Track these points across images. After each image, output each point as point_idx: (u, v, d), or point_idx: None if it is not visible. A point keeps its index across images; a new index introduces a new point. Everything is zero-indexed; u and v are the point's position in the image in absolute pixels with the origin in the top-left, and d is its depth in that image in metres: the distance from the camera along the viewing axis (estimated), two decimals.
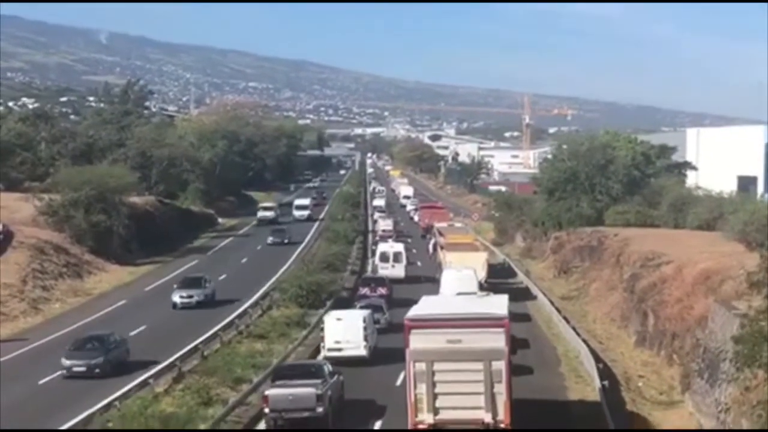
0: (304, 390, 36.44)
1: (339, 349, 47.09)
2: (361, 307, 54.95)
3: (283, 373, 39.09)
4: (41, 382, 44.50)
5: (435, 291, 60.40)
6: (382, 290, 64.92)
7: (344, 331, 47.55)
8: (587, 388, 42.68)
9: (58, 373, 45.88)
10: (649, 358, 49.11)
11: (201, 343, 50.16)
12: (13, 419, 37.42)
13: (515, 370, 35.64)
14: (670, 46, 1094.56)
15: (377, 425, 37.33)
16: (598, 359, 46.63)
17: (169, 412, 35.97)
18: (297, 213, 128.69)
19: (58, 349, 51.67)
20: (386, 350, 47.44)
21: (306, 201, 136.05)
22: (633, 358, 50.43)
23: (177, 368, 44.59)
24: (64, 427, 34.85)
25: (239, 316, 58.77)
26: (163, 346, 50.55)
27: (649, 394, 43.09)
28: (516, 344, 36.90)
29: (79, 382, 44.23)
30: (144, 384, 41.21)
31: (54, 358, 48.82)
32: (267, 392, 37.19)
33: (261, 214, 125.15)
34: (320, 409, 36.13)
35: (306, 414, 36.07)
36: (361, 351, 47.33)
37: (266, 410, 36.65)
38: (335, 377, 39.17)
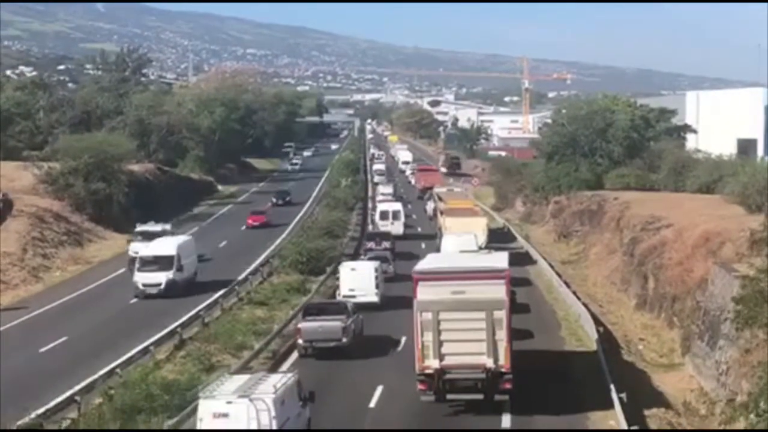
0: (331, 323, 42.62)
1: (353, 296, 50.53)
2: (369, 259, 59.78)
3: (313, 310, 44.91)
4: (42, 350, 44.58)
5: (432, 247, 67.86)
6: (386, 244, 68.98)
7: (358, 280, 52.38)
8: (587, 351, 42.75)
9: (62, 339, 46.05)
10: (649, 321, 49.24)
11: (203, 309, 50.31)
12: (12, 388, 37.45)
13: (515, 334, 35.94)
14: (670, 8, 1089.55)
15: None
16: (598, 322, 46.74)
17: (170, 379, 36.10)
18: (141, 279, 57.28)
19: (58, 317, 52.02)
20: (393, 297, 51.89)
21: (165, 248, 59.32)
22: (633, 321, 50.56)
23: (178, 335, 44.73)
24: (65, 396, 34.86)
25: (239, 283, 58.79)
26: (164, 312, 50.72)
27: (649, 356, 43.24)
28: (514, 296, 39.25)
29: (77, 348, 44.35)
30: (145, 351, 41.33)
31: (54, 326, 49.04)
32: (300, 325, 43.34)
33: (134, 248, 64.97)
34: (345, 340, 42.30)
35: (332, 343, 42.19)
36: (373, 297, 51.99)
37: (299, 340, 42.82)
38: (356, 315, 44.68)
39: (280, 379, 29.08)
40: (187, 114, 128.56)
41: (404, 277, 47.58)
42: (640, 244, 56.91)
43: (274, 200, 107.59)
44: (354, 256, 70.20)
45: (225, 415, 26.83)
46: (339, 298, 51.73)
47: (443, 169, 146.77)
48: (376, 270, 53.44)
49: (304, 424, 30.13)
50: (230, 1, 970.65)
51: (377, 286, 52.66)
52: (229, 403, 26.97)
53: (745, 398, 30.75)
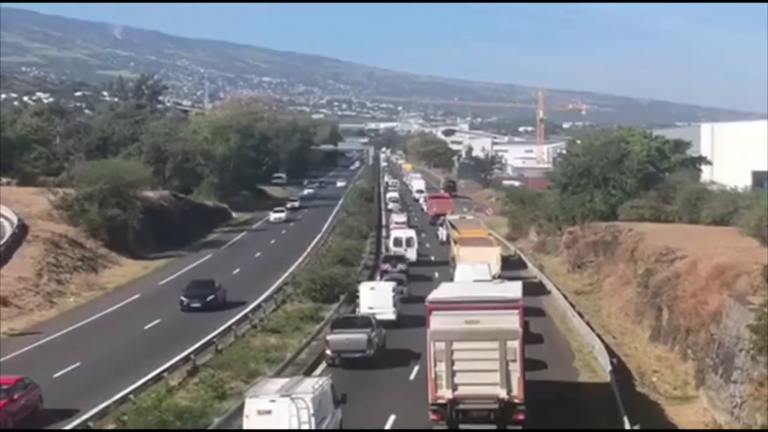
0: (357, 335, 45.93)
1: (372, 314, 52.06)
2: (386, 280, 62.85)
3: (341, 323, 48.32)
4: (55, 375, 44.60)
5: (444, 272, 71.78)
6: (401, 266, 72.08)
7: (376, 298, 55.29)
8: (601, 382, 42.59)
9: (75, 365, 46.14)
10: (663, 353, 49.02)
11: (216, 336, 50.31)
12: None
13: (529, 365, 35.86)
14: (684, 40, 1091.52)
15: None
16: (612, 354, 46.58)
17: (183, 406, 36.10)
18: None
19: (72, 343, 52.04)
20: (408, 316, 54.07)
21: None
22: (647, 353, 50.34)
23: (191, 362, 44.74)
24: (77, 422, 34.87)
25: (253, 311, 58.80)
26: (178, 339, 50.75)
27: (663, 389, 43.03)
28: (527, 326, 38.85)
29: (91, 374, 44.35)
30: (159, 378, 41.33)
31: (68, 352, 49.07)
32: (328, 337, 46.79)
33: None
34: (370, 351, 45.66)
35: (358, 354, 45.45)
36: (391, 315, 54.57)
37: (327, 351, 46.24)
38: (380, 329, 48.23)
39: (316, 382, 32.75)
40: (202, 141, 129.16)
41: (418, 298, 51.70)
42: (655, 275, 56.76)
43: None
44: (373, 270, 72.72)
45: (268, 412, 29.98)
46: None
47: (441, 191, 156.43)
48: (394, 290, 56.70)
49: (337, 423, 33.17)
50: (247, 1, 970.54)
51: (394, 305, 55.55)
52: (272, 401, 30.17)
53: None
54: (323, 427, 30.90)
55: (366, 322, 48.09)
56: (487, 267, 62.32)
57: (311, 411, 30.03)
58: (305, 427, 29.87)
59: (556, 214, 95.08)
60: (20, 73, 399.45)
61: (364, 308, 54.85)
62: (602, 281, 71.27)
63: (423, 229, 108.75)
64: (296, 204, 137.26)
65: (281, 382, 32.83)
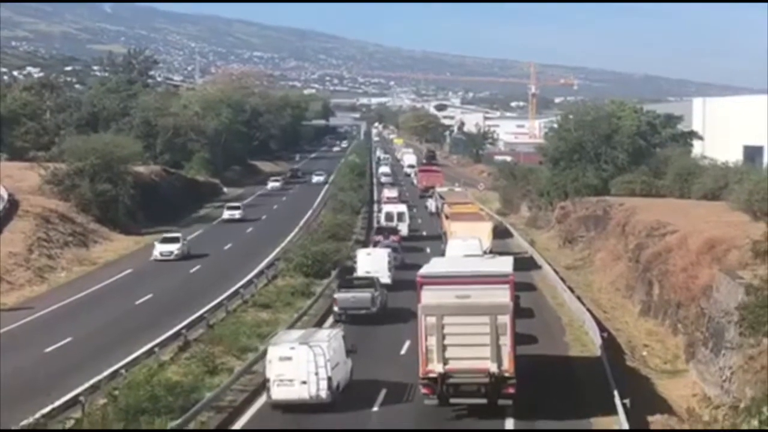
0: (362, 294, 50.36)
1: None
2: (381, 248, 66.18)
3: (347, 283, 52.64)
4: (47, 350, 44.60)
5: (435, 247, 73.26)
6: (393, 237, 74.86)
7: (373, 263, 58.70)
8: (591, 357, 42.73)
9: (67, 339, 46.12)
10: (653, 328, 49.19)
11: (207, 311, 50.31)
12: (17, 388, 37.48)
13: (519, 339, 35.96)
14: (676, 14, 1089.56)
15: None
16: (602, 328, 46.71)
17: (174, 381, 36.15)
18: None
19: (63, 318, 52.02)
20: (402, 281, 56.25)
21: None
22: (637, 327, 50.51)
23: (183, 337, 44.78)
24: (69, 396, 34.87)
25: (244, 286, 58.81)
26: (169, 314, 50.78)
27: (653, 363, 43.18)
28: (518, 301, 39.55)
29: (82, 349, 44.34)
30: (150, 352, 41.35)
31: (59, 327, 49.06)
32: (335, 295, 51.22)
33: None
34: (373, 308, 50.04)
35: (363, 311, 49.88)
36: (387, 279, 57.30)
37: (335, 308, 50.63)
38: (382, 289, 52.69)
39: (330, 332, 37.04)
40: (193, 116, 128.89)
41: (411, 266, 57.40)
42: (645, 250, 56.86)
43: None
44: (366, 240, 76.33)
45: (289, 359, 33.91)
46: None
47: (423, 161, 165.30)
48: (389, 255, 60.39)
49: (348, 371, 36.94)
50: (239, 0, 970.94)
51: (390, 270, 58.81)
52: (292, 348, 34.15)
53: (749, 404, 30.65)
54: (336, 371, 34.51)
55: (370, 282, 52.00)
56: (479, 242, 62.51)
57: (327, 357, 33.78)
58: (321, 371, 33.56)
59: (547, 189, 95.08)
60: (10, 48, 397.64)
61: (361, 272, 57.41)
62: (593, 256, 71.37)
63: (415, 204, 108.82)
64: (236, 214, 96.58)
65: (298, 332, 37.36)
